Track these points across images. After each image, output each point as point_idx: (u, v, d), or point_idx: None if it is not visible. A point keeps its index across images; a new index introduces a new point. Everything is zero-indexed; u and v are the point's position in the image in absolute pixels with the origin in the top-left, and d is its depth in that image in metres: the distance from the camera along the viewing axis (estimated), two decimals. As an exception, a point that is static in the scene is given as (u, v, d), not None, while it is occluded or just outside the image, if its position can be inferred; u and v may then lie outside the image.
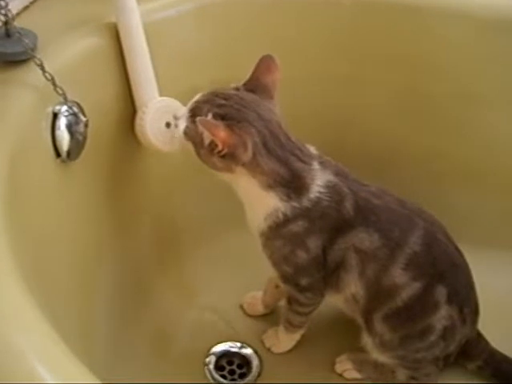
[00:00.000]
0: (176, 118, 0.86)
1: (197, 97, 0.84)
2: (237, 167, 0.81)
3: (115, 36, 0.90)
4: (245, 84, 0.84)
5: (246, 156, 0.79)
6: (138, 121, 0.92)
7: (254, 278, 1.07)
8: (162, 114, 0.92)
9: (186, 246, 1.15)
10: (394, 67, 1.10)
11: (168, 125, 0.94)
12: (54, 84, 0.77)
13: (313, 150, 0.87)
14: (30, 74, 0.78)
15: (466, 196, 1.15)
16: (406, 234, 0.86)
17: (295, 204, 0.83)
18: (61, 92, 0.78)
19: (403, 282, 0.85)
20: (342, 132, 1.17)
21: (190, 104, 0.83)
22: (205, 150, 0.81)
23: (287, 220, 0.84)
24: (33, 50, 0.77)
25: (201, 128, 0.78)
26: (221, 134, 0.77)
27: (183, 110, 0.85)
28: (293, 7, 1.07)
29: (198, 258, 1.14)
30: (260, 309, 1.08)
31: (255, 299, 1.08)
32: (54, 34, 0.85)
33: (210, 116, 0.79)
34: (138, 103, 0.93)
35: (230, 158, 0.80)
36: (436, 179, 1.16)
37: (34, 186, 0.75)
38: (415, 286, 0.85)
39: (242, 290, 1.09)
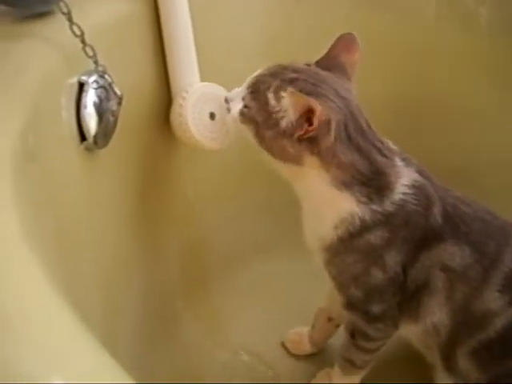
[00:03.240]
0: (228, 100, 0.75)
1: (258, 71, 0.74)
2: (310, 156, 0.70)
3: (152, 3, 0.79)
4: (317, 62, 0.75)
5: (328, 139, 0.68)
6: (176, 108, 0.82)
7: (298, 311, 0.98)
8: (205, 102, 0.82)
9: (217, 270, 1.05)
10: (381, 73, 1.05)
11: (212, 116, 0.83)
12: (83, 41, 0.63)
13: (391, 144, 0.77)
14: (52, 29, 0.66)
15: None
16: (501, 248, 0.75)
17: (376, 207, 0.71)
18: (91, 53, 0.63)
19: (498, 308, 0.74)
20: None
21: (250, 79, 0.74)
22: (274, 131, 0.70)
23: (365, 228, 0.72)
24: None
25: (287, 102, 0.68)
26: (318, 107, 0.66)
27: (237, 91, 0.75)
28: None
29: (231, 287, 1.04)
30: (307, 347, 0.97)
31: (301, 336, 0.97)
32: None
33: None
34: (175, 87, 0.82)
35: (308, 141, 0.69)
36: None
37: (49, 178, 0.64)
38: None
39: (283, 325, 0.98)
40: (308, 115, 0.67)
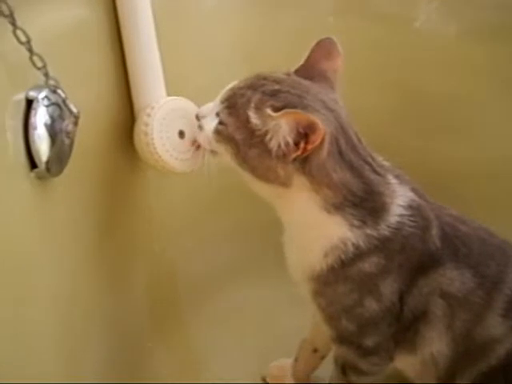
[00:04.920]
0: (200, 116, 0.70)
1: (233, 83, 0.69)
2: (300, 176, 0.65)
3: (111, 9, 0.74)
4: (296, 71, 0.71)
5: (320, 154, 0.64)
6: (140, 127, 0.75)
7: (278, 341, 0.94)
8: (173, 119, 0.76)
9: (189, 301, 1.01)
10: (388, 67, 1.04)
11: (182, 134, 0.76)
12: (30, 50, 0.55)
13: (382, 159, 0.73)
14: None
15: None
16: (502, 269, 0.73)
17: (371, 232, 0.68)
18: (40, 64, 0.56)
19: (501, 334, 0.72)
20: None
21: (225, 92, 0.69)
22: (259, 150, 0.65)
23: (359, 255, 0.68)
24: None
25: (281, 122, 0.63)
26: (319, 124, 0.61)
27: (209, 106, 0.70)
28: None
29: (205, 318, 0.99)
30: (290, 382, 0.91)
31: (283, 370, 0.92)
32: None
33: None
34: (139, 103, 0.77)
35: (299, 160, 0.65)
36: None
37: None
38: None
39: (263, 358, 0.93)
40: (305, 133, 0.62)
